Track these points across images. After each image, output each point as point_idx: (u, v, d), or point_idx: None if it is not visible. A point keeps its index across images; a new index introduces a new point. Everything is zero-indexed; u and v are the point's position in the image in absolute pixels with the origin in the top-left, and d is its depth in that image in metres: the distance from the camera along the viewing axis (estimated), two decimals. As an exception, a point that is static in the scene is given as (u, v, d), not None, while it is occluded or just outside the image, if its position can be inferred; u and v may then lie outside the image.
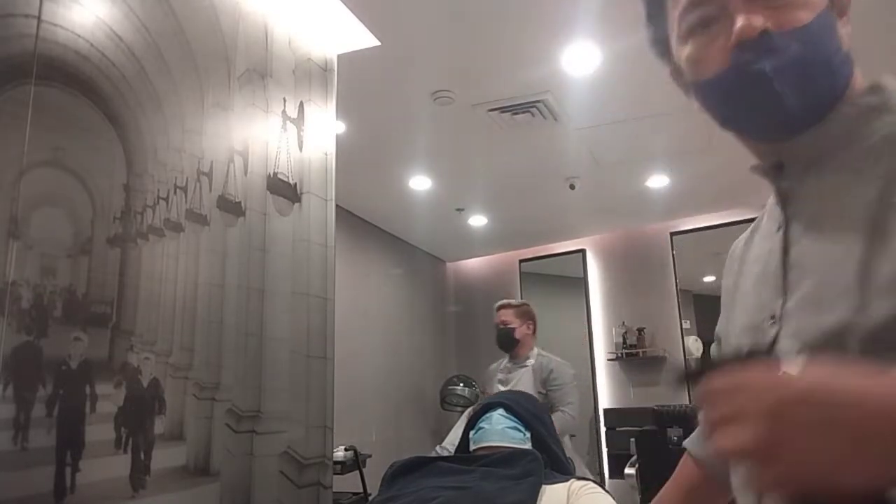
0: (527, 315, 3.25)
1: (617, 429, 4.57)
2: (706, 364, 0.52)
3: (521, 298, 5.53)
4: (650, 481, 3.10)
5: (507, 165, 3.80)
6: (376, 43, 2.39)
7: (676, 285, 4.92)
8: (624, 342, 4.97)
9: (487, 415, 1.66)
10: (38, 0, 1.16)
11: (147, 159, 1.39)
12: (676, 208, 4.66)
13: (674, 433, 3.07)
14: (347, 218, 4.46)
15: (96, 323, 1.23)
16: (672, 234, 4.97)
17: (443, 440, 3.96)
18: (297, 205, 1.89)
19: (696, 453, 0.91)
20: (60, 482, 1.10)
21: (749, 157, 0.80)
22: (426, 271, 5.69)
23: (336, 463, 2.67)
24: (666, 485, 0.96)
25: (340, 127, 3.09)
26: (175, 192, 1.46)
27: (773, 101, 0.60)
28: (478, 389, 5.01)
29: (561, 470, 1.57)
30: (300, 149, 1.94)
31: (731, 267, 0.82)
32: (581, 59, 2.65)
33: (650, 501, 1.05)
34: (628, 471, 3.38)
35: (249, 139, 1.72)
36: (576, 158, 3.67)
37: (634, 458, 3.38)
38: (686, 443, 0.94)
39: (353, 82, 2.57)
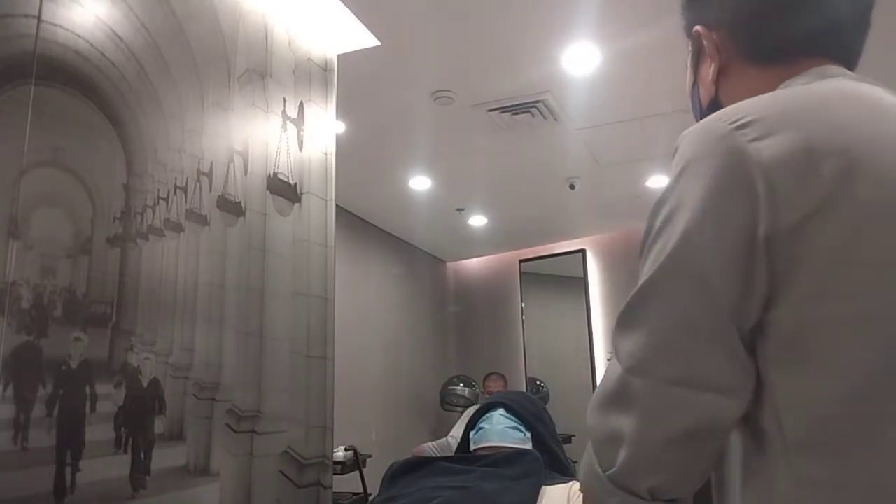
0: None
1: (617, 429, 4.57)
2: None
3: (521, 299, 5.55)
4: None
5: (507, 165, 3.80)
6: (376, 43, 2.39)
7: (676, 285, 4.91)
8: (624, 342, 4.96)
9: (488, 415, 1.66)
10: (38, 0, 1.16)
11: (147, 159, 1.39)
12: (676, 208, 4.65)
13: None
14: (347, 218, 4.46)
15: (96, 323, 1.23)
16: (672, 234, 4.97)
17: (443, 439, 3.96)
18: (297, 205, 1.89)
19: None
20: (60, 482, 1.10)
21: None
22: (426, 271, 5.69)
23: (336, 463, 2.67)
24: None
25: (340, 127, 3.08)
26: (175, 192, 1.46)
27: None
28: (478, 389, 5.01)
29: (561, 471, 1.57)
30: (300, 149, 1.94)
31: None
32: (581, 59, 2.65)
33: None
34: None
35: (249, 139, 1.72)
36: (576, 158, 3.67)
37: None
38: None
39: (353, 82, 2.56)
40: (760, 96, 0.60)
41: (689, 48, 0.75)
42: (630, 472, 0.59)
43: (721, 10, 0.71)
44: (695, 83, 0.75)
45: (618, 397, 0.60)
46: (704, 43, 0.72)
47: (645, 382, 0.57)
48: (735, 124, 0.55)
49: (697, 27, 0.73)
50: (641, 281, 0.59)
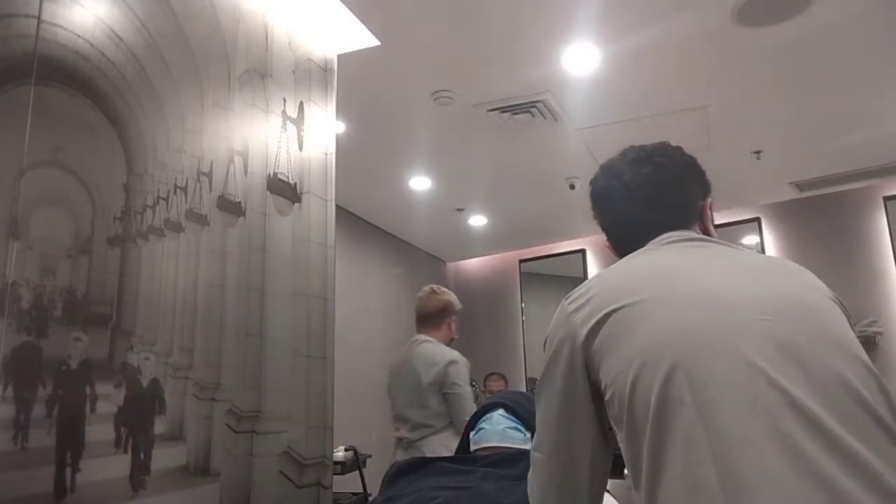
0: None
1: (617, 429, 4.57)
2: None
3: (521, 299, 5.54)
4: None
5: (507, 165, 3.80)
6: (376, 43, 2.39)
7: (676, 285, 4.91)
8: (624, 342, 4.96)
9: (488, 415, 1.65)
10: (38, 0, 1.16)
11: (147, 159, 1.39)
12: (676, 208, 4.65)
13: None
14: (347, 218, 4.46)
15: (96, 323, 1.23)
16: (672, 234, 4.97)
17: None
18: (297, 205, 1.89)
19: None
20: (60, 482, 1.10)
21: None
22: (426, 271, 5.68)
23: (336, 463, 2.67)
24: None
25: (340, 127, 3.08)
26: (175, 192, 1.46)
27: None
28: (478, 389, 5.01)
29: (561, 470, 1.56)
30: (300, 149, 1.94)
31: None
32: (581, 59, 2.65)
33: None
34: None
35: (249, 139, 1.72)
36: (576, 158, 3.67)
37: (634, 458, 3.38)
38: None
39: (353, 82, 2.56)
40: (588, 279, 1.01)
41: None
42: None
43: (608, 236, 1.14)
44: None
45: (531, 464, 1.00)
46: (608, 249, 1.15)
47: (538, 455, 0.97)
48: (567, 300, 0.97)
49: (605, 242, 1.16)
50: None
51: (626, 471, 0.90)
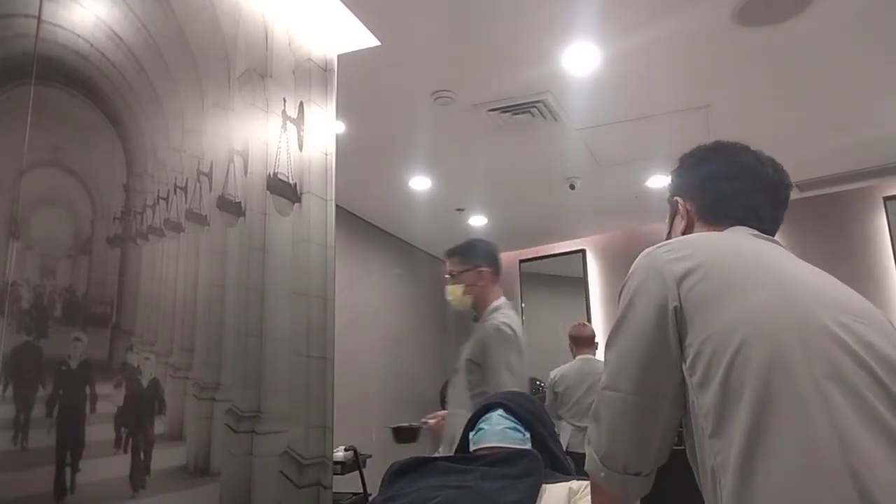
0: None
1: (617, 429, 4.57)
2: None
3: (521, 299, 5.54)
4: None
5: (507, 165, 3.80)
6: (376, 43, 2.39)
7: (676, 285, 4.91)
8: (624, 342, 4.96)
9: (487, 415, 1.65)
10: (38, 0, 1.16)
11: (147, 159, 1.39)
12: (676, 208, 4.65)
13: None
14: (347, 218, 4.46)
15: (96, 323, 1.23)
16: (672, 234, 4.97)
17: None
18: (297, 205, 1.89)
19: None
20: (60, 482, 1.10)
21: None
22: (426, 271, 5.69)
23: (336, 463, 2.67)
24: None
25: (340, 127, 3.08)
26: (175, 192, 1.46)
27: None
28: (478, 389, 5.01)
29: (560, 470, 1.57)
30: (300, 149, 1.94)
31: None
32: (581, 59, 2.65)
33: (650, 501, 1.10)
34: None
35: (249, 139, 1.72)
36: (576, 158, 3.67)
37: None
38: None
39: (353, 82, 2.57)
40: (686, 236, 1.06)
41: (669, 209, 1.19)
42: (609, 454, 0.95)
43: (693, 193, 1.15)
44: (669, 232, 1.17)
45: (599, 404, 0.98)
46: (679, 208, 1.16)
47: (613, 394, 0.96)
48: (662, 248, 0.97)
49: (677, 197, 1.17)
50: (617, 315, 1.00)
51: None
